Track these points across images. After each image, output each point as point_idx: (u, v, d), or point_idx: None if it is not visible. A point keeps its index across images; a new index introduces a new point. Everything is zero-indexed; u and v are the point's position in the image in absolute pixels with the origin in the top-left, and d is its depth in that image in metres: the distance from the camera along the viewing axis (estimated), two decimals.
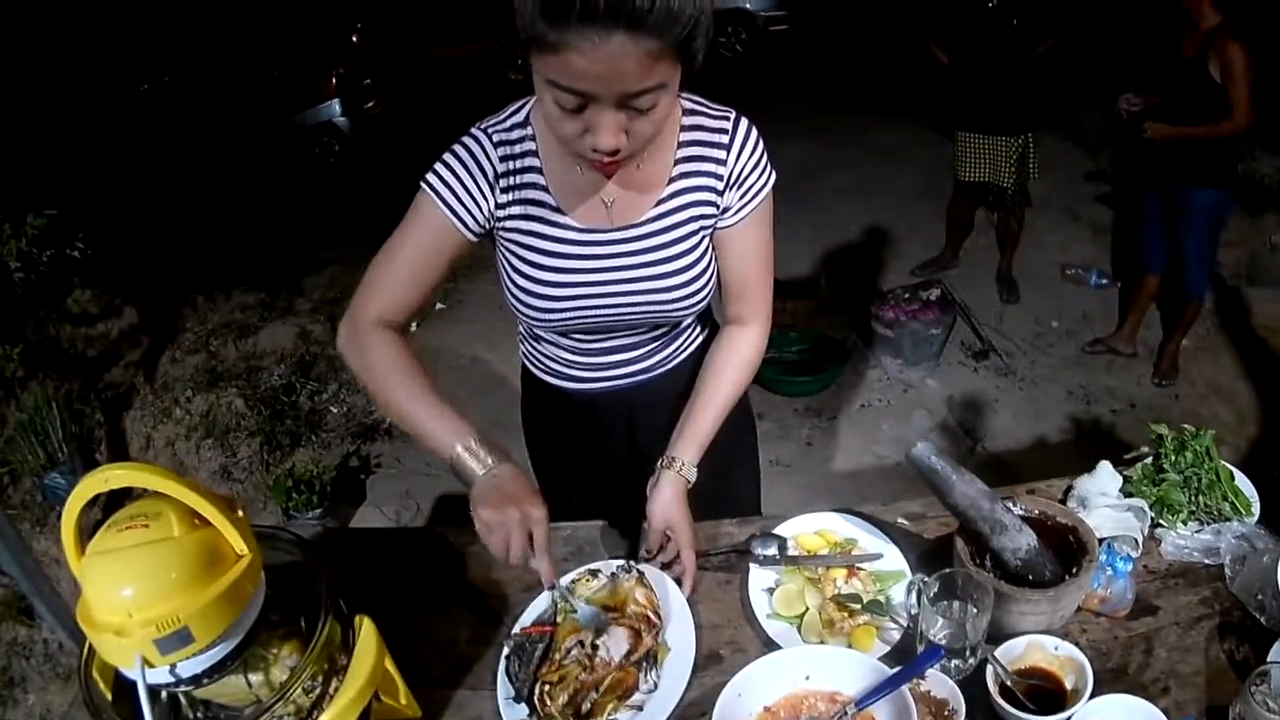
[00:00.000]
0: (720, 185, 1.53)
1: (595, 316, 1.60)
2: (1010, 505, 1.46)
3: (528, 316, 1.60)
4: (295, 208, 8.32)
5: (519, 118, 1.50)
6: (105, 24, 9.20)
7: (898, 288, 4.79)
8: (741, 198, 1.54)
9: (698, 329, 1.82)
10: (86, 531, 1.13)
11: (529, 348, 1.83)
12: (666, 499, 1.57)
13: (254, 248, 7.10)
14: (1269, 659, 1.33)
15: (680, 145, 1.51)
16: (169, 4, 10.46)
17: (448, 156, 1.51)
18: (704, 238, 1.57)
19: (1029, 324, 4.99)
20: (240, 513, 1.18)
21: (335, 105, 10.48)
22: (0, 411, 4.44)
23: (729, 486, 1.96)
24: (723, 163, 1.52)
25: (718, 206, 1.55)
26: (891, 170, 7.10)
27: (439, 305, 5.64)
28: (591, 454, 1.90)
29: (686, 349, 1.81)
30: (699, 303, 1.61)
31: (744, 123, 1.53)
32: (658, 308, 1.59)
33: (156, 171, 8.80)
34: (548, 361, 1.79)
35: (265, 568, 1.20)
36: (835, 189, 6.55)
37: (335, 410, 4.65)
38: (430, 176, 1.51)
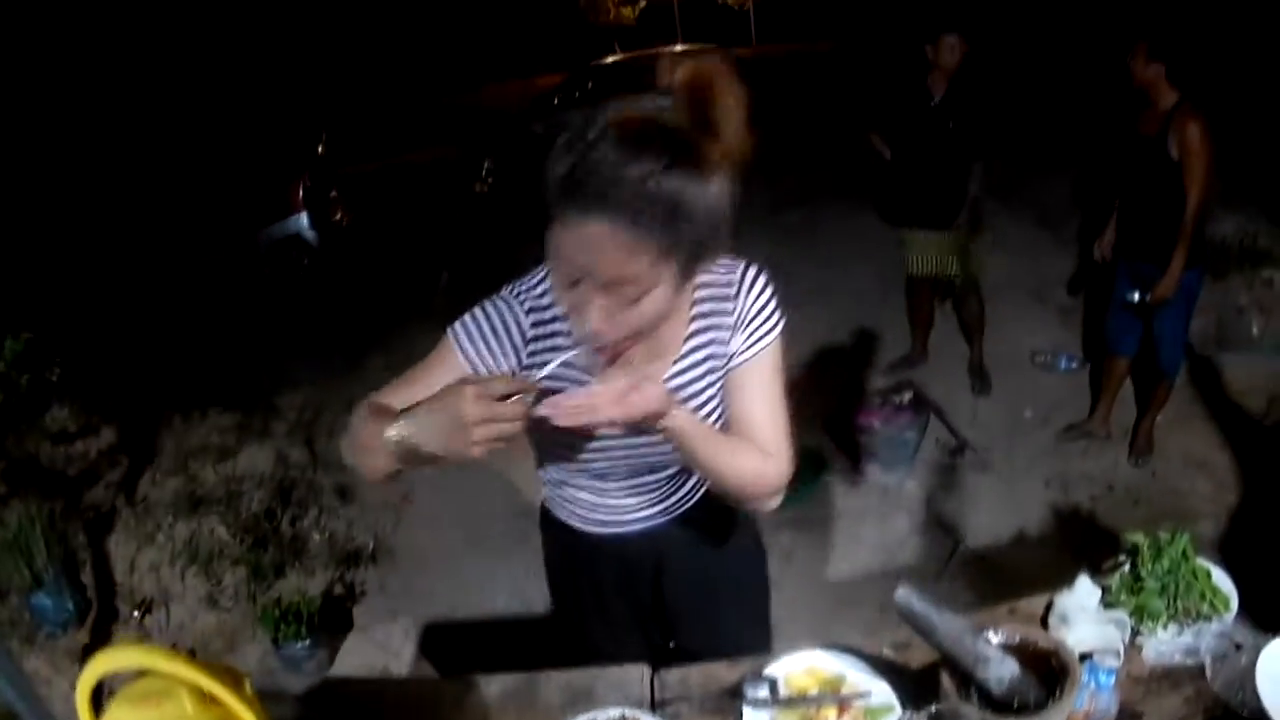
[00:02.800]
0: (726, 334, 1.58)
1: (620, 462, 1.65)
2: (991, 636, 1.50)
3: (550, 464, 1.68)
4: (266, 323, 8.33)
5: (548, 284, 1.53)
6: (69, 140, 9.30)
7: (871, 392, 4.86)
8: (746, 340, 1.58)
9: None
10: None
11: (552, 493, 1.86)
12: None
13: (227, 365, 7.10)
14: None
15: (695, 303, 1.57)
16: (132, 120, 10.54)
17: (478, 311, 1.55)
18: (716, 381, 1.61)
19: (1002, 415, 5.05)
20: (248, 688, 1.20)
21: (303, 218, 10.50)
22: None
23: (739, 624, 1.98)
24: (729, 312, 1.57)
25: (725, 354, 1.59)
26: (851, 268, 7.21)
27: None
28: (616, 599, 1.91)
29: (700, 487, 1.83)
30: None
31: (752, 269, 1.59)
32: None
33: (127, 287, 8.81)
34: (574, 508, 1.82)
35: None
36: (799, 291, 6.57)
37: (317, 536, 4.62)
38: (458, 326, 1.54)
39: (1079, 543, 3.96)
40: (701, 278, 1.54)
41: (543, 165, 1.26)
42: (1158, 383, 4.37)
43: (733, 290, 1.57)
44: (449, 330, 1.56)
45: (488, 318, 1.54)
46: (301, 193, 10.46)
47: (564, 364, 1.46)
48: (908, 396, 4.74)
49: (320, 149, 11.23)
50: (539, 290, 1.55)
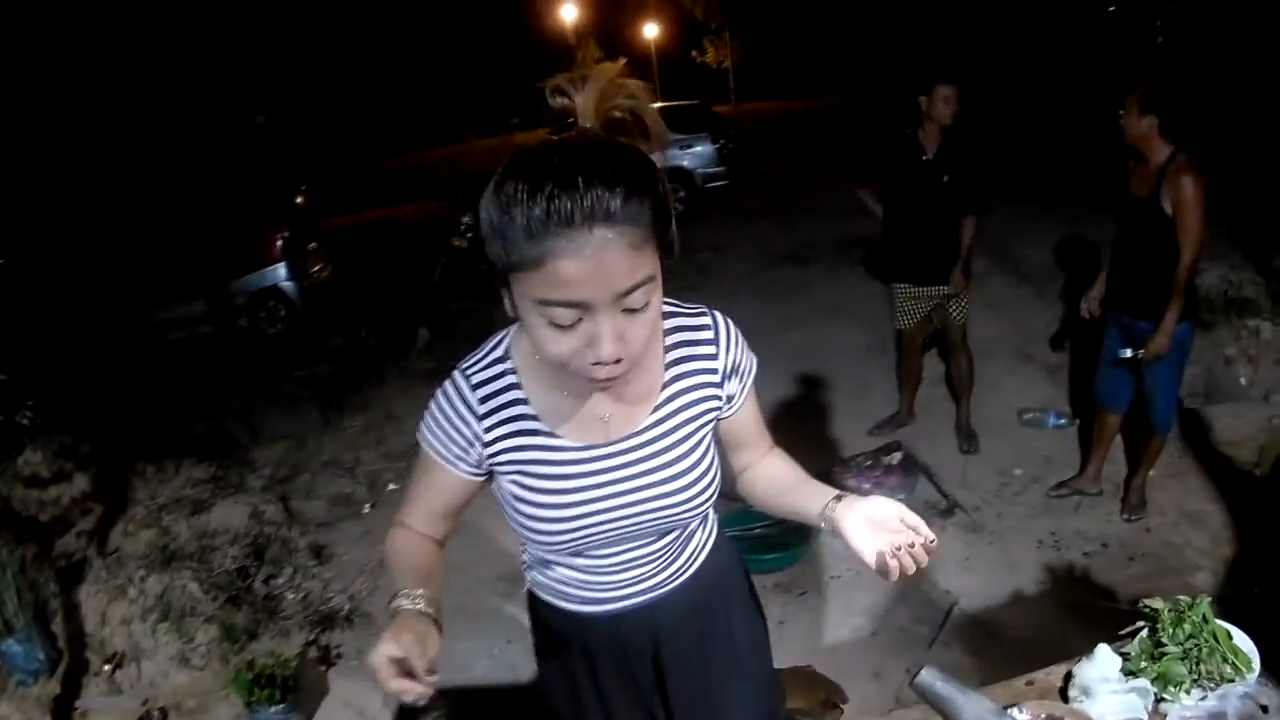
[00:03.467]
0: (717, 379, 1.58)
1: (607, 529, 1.56)
2: (1017, 714, 1.42)
3: (539, 542, 1.58)
4: (242, 375, 8.26)
5: (498, 352, 1.52)
6: (48, 182, 9.26)
7: (858, 455, 4.78)
8: (740, 384, 1.63)
9: (706, 531, 1.79)
10: None
11: (539, 577, 1.77)
12: (869, 507, 1.53)
13: (202, 416, 7.02)
14: None
15: (668, 349, 1.54)
16: (111, 164, 10.53)
17: (432, 406, 1.54)
18: (705, 435, 1.60)
19: (992, 475, 4.99)
20: None
21: (280, 269, 10.48)
22: None
23: (745, 692, 1.88)
24: (714, 358, 1.57)
25: (720, 399, 1.60)
26: (838, 326, 7.24)
27: (390, 485, 5.56)
28: (613, 682, 1.80)
29: (700, 553, 1.77)
30: (707, 499, 1.61)
31: (719, 316, 1.60)
32: (667, 511, 1.57)
33: (103, 334, 8.75)
34: (564, 588, 1.72)
35: None
36: (785, 349, 6.59)
37: (292, 596, 4.50)
38: (421, 428, 1.55)
39: (1075, 601, 3.87)
40: (669, 322, 1.55)
41: (500, 217, 1.21)
42: (1150, 438, 4.32)
43: (710, 336, 1.58)
44: (419, 436, 1.58)
45: (441, 410, 1.53)
46: (279, 244, 10.44)
47: (525, 431, 1.51)
48: (897, 457, 4.67)
49: (299, 200, 11.23)
50: (487, 362, 1.53)
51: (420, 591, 1.46)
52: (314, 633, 4.24)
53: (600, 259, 1.17)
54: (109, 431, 5.94)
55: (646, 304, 1.26)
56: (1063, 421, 5.38)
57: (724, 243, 10.71)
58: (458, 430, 1.52)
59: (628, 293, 1.22)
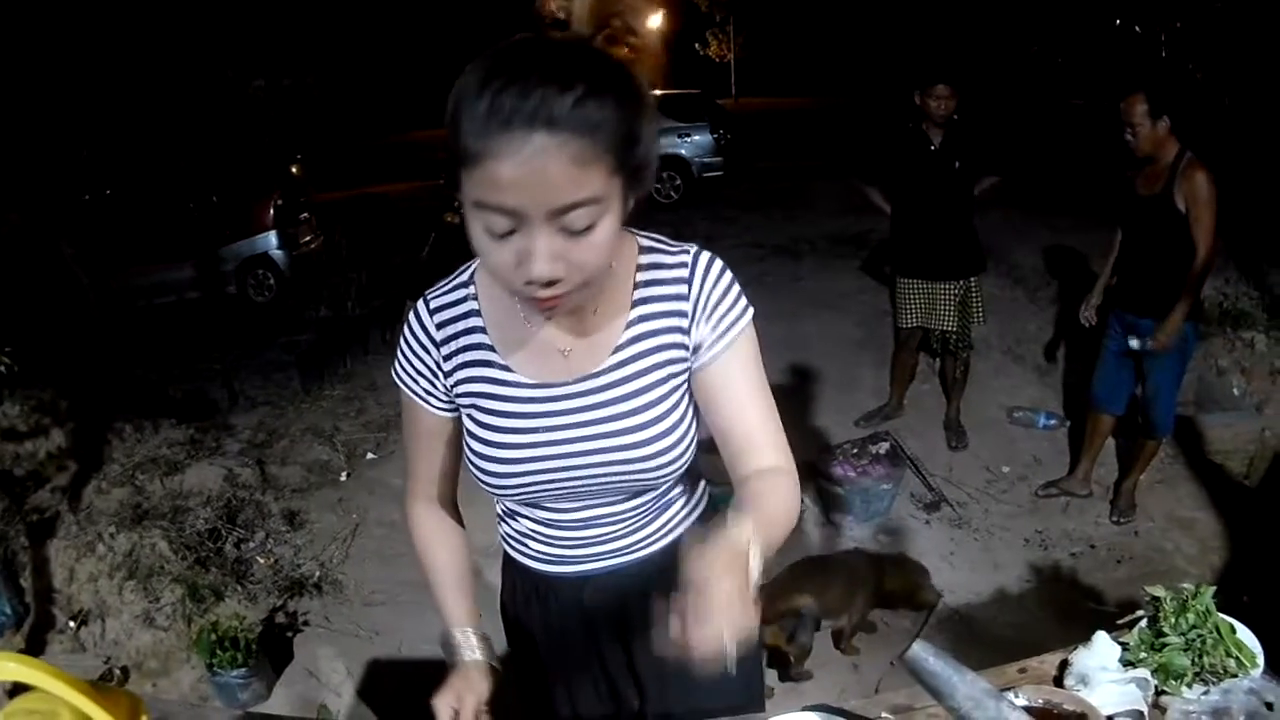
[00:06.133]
0: (685, 322, 1.39)
1: (563, 480, 1.44)
2: (1014, 698, 1.34)
3: (489, 485, 1.47)
4: (227, 340, 8.17)
5: (463, 278, 1.45)
6: (44, 137, 9.15)
7: (845, 443, 4.71)
8: (714, 330, 1.39)
9: (689, 500, 1.63)
10: None
11: (505, 527, 1.66)
12: (714, 552, 1.13)
13: (182, 381, 6.94)
14: None
15: (638, 286, 1.40)
16: (110, 118, 10.44)
17: (400, 340, 1.48)
18: (676, 387, 1.42)
19: (979, 471, 4.94)
20: (144, 718, 1.02)
21: (271, 237, 10.42)
22: None
23: (722, 683, 1.74)
24: (684, 297, 1.39)
25: (687, 347, 1.40)
26: (830, 319, 7.17)
27: (369, 455, 5.47)
28: (577, 651, 1.68)
29: (679, 523, 1.62)
30: (676, 460, 1.44)
31: (705, 254, 1.42)
32: (630, 467, 1.42)
33: (87, 295, 8.66)
34: (526, 541, 1.62)
35: None
36: (775, 339, 6.49)
37: (262, 561, 4.42)
38: (394, 363, 1.50)
39: (1061, 601, 3.83)
40: (646, 258, 1.41)
41: (455, 107, 1.11)
42: (1145, 442, 4.28)
43: (686, 274, 1.40)
44: (392, 372, 1.54)
45: (405, 342, 1.48)
46: (272, 212, 10.37)
47: (479, 362, 1.43)
48: (884, 448, 4.60)
49: (294, 169, 11.18)
50: (450, 287, 1.46)
51: (472, 630, 1.54)
52: (282, 598, 4.17)
53: (535, 166, 1.07)
54: (88, 389, 5.84)
55: (590, 227, 1.14)
56: (1053, 422, 5.33)
57: (717, 233, 10.66)
58: (419, 358, 1.46)
59: (565, 210, 1.11)
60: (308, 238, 10.92)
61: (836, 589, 3.49)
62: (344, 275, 8.54)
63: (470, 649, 1.52)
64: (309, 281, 9.88)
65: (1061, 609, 3.76)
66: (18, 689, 1.01)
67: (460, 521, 1.68)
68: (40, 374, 5.40)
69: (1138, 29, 19.53)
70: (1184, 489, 4.60)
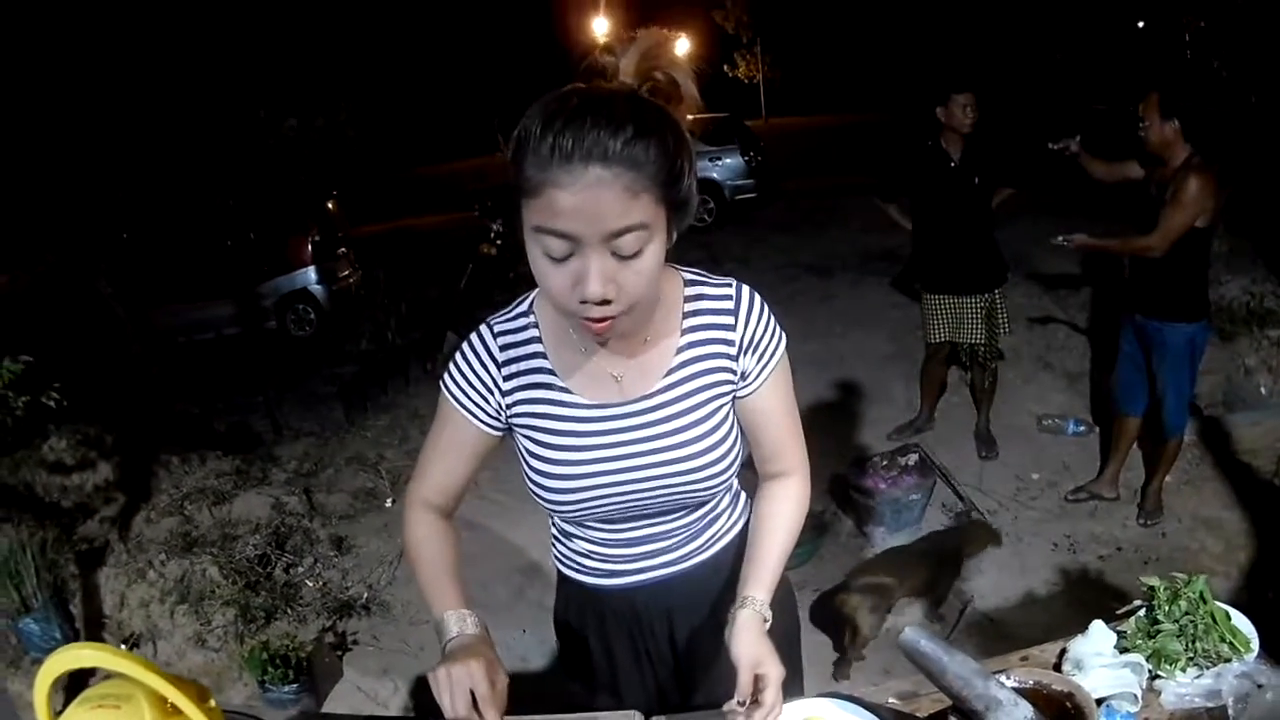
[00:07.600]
0: (733, 351, 1.55)
1: (618, 498, 1.58)
2: (1004, 679, 1.43)
3: (548, 503, 1.59)
4: (271, 374, 8.33)
5: (523, 307, 1.57)
6: (80, 177, 9.35)
7: (875, 455, 4.78)
8: (759, 362, 1.56)
9: (733, 512, 1.77)
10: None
11: (561, 548, 1.79)
12: (751, 637, 1.48)
13: (226, 414, 7.10)
14: None
15: (686, 315, 1.54)
16: (146, 158, 10.60)
17: (457, 355, 1.58)
18: (721, 407, 1.57)
19: (1009, 479, 4.99)
20: (212, 702, 1.15)
21: (310, 273, 10.58)
22: None
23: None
24: (731, 328, 1.54)
25: (734, 373, 1.56)
26: (860, 335, 7.25)
27: None
28: (630, 658, 1.81)
29: (724, 535, 1.75)
30: (723, 475, 1.59)
31: (746, 289, 1.57)
32: (681, 482, 1.57)
33: (127, 333, 8.86)
34: (580, 559, 1.74)
35: None
36: (808, 356, 6.58)
37: (311, 584, 4.55)
38: (445, 377, 1.59)
39: (1088, 602, 3.86)
40: (692, 290, 1.56)
41: (519, 145, 1.27)
42: (1166, 441, 4.31)
43: (731, 307, 1.55)
44: (441, 384, 1.60)
45: (465, 359, 1.57)
46: (310, 248, 10.55)
47: (540, 384, 1.54)
48: (914, 459, 4.66)
49: (330, 205, 11.34)
50: (513, 314, 1.58)
51: (466, 612, 1.52)
52: (331, 620, 4.29)
53: (591, 195, 1.22)
54: (133, 424, 6.02)
55: (639, 252, 1.28)
56: (1082, 429, 5.36)
57: (750, 254, 10.78)
58: (477, 376, 1.55)
59: (617, 235, 1.25)
60: (346, 272, 11.07)
61: (922, 574, 3.85)
62: (384, 308, 8.69)
63: (473, 625, 1.51)
64: (349, 315, 10.04)
65: (1089, 611, 3.79)
66: (74, 685, 1.13)
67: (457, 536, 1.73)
68: (86, 409, 5.57)
69: (1160, 30, 19.42)
70: (1210, 489, 4.63)
